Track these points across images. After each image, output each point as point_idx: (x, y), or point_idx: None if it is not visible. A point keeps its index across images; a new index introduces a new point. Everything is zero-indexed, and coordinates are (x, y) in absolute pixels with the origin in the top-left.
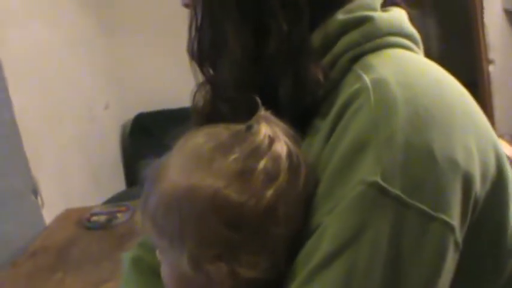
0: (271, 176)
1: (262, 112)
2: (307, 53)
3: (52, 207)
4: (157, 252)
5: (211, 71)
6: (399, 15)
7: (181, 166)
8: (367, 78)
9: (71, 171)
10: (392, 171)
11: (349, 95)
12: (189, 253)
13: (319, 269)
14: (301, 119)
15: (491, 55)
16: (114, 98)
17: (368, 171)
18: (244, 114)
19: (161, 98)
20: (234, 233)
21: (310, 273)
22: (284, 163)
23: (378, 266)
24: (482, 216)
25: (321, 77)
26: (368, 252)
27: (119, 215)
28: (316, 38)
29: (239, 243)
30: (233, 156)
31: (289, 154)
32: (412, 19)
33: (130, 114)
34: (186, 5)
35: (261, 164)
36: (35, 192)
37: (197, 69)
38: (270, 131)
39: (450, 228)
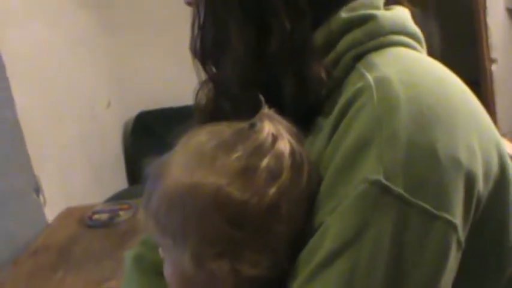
0: (274, 174)
1: (266, 110)
2: (310, 51)
3: (54, 205)
4: (159, 250)
5: (213, 69)
6: (402, 14)
7: (184, 164)
8: (370, 77)
9: (73, 169)
10: (395, 170)
11: (352, 93)
12: (191, 251)
13: (322, 268)
14: (304, 117)
15: (494, 54)
16: (116, 96)
17: (371, 169)
18: (247, 112)
19: (163, 97)
20: (237, 230)
21: (313, 271)
22: (287, 161)
23: (380, 264)
24: (484, 215)
25: (323, 75)
26: (370, 251)
27: (120, 213)
28: (319, 36)
29: (241, 241)
30: (236, 154)
31: (292, 152)
32: (414, 18)
33: (132, 113)
34: (189, 3)
35: (264, 162)
36: (37, 190)
37: (200, 67)
38: (273, 129)
39: (453, 227)
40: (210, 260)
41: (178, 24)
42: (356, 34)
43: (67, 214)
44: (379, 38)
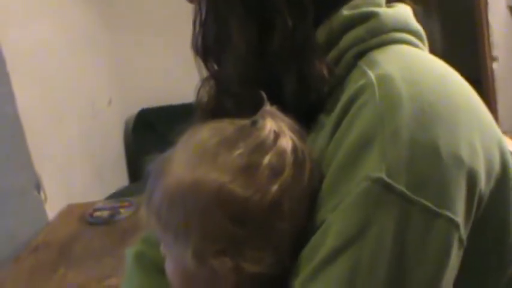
0: (276, 171)
1: (268, 107)
2: (312, 49)
3: (55, 202)
4: (161, 247)
5: (215, 66)
6: (404, 11)
7: (186, 161)
8: (372, 74)
9: (74, 166)
10: (397, 168)
11: (354, 91)
12: (193, 247)
13: (324, 265)
14: (306, 115)
15: (495, 52)
16: (117, 93)
17: (373, 167)
18: (249, 109)
19: (164, 94)
20: (239, 228)
21: (315, 269)
22: (289, 158)
23: (382, 262)
24: (486, 213)
25: (325, 73)
26: (372, 249)
27: (121, 210)
28: (321, 34)
29: (243, 238)
30: (238, 151)
31: (295, 149)
32: (416, 15)
33: (134, 110)
34: (191, 0)
35: (266, 159)
36: (38, 187)
37: (201, 64)
38: (275, 126)
39: (455, 225)
40: (212, 257)
41: (179, 22)
42: (358, 31)
43: (68, 211)
44: (381, 35)
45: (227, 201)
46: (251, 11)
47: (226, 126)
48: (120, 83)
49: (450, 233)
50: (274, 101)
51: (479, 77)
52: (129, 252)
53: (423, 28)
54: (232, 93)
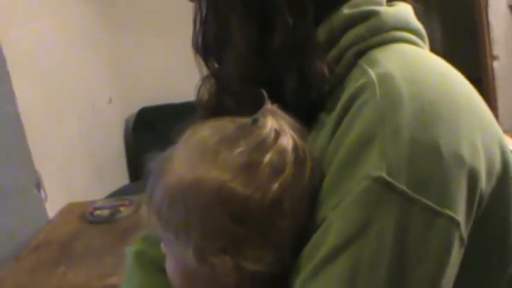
0: (277, 170)
1: (268, 105)
2: (312, 47)
3: (55, 201)
4: (162, 245)
5: (216, 65)
6: (405, 10)
7: (186, 159)
8: (372, 73)
9: (74, 165)
10: (398, 166)
11: (355, 89)
12: (194, 246)
13: (324, 264)
14: (307, 113)
15: (496, 51)
16: (118, 92)
17: (373, 165)
18: (250, 107)
19: (164, 93)
20: (239, 226)
21: (315, 267)
22: (290, 156)
23: (383, 261)
24: (487, 212)
25: (326, 71)
26: (373, 247)
27: (122, 209)
28: (322, 32)
29: (244, 237)
30: (239, 150)
31: (295, 148)
32: (417, 14)
33: (134, 109)
34: None
35: (267, 158)
36: (38, 186)
37: (202, 63)
38: (276, 125)
39: (455, 223)
40: (213, 255)
41: (179, 22)
42: (358, 30)
43: (68, 210)
44: (381, 34)
45: (228, 199)
46: (251, 9)
47: (227, 125)
48: (120, 82)
49: (451, 232)
50: (274, 99)
51: (479, 76)
52: (130, 250)
53: (424, 27)
54: (232, 92)
